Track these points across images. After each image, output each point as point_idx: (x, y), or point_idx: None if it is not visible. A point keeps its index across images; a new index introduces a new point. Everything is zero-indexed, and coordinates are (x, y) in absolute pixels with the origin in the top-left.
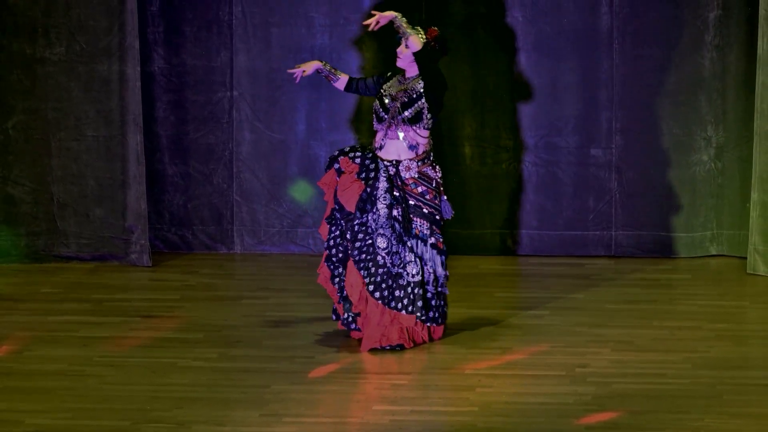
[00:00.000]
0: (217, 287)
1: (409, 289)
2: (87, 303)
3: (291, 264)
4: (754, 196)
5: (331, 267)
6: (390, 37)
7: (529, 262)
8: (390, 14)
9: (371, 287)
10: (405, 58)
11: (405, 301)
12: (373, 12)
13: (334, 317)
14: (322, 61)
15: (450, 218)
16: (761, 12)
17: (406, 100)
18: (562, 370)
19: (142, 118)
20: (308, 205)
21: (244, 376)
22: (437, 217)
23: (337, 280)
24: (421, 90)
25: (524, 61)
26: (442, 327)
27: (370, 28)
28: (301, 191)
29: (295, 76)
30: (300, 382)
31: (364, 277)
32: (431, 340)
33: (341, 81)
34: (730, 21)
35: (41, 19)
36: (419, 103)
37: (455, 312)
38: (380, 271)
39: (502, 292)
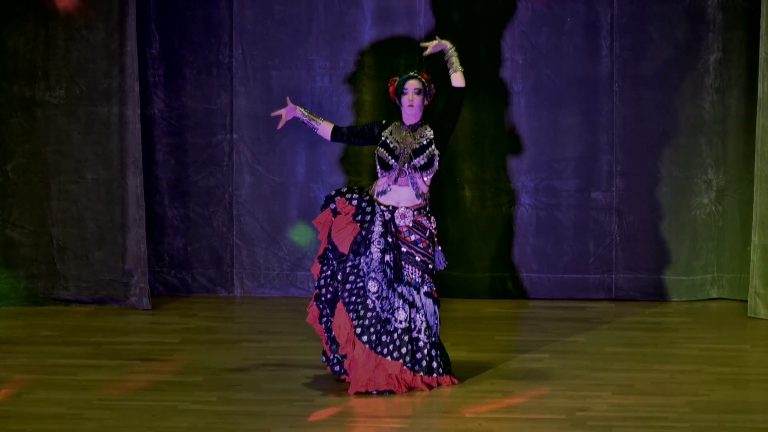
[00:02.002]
0: (217, 330)
1: (396, 335)
2: (86, 346)
3: (291, 307)
4: (755, 239)
5: (320, 307)
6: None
7: (529, 306)
8: (446, 43)
9: (359, 330)
10: (417, 107)
11: (390, 347)
12: (436, 37)
13: (324, 359)
14: (301, 108)
15: (442, 269)
16: (761, 55)
17: (417, 146)
18: (563, 413)
19: (141, 160)
20: (308, 248)
21: (243, 420)
22: (430, 266)
23: (324, 320)
24: (431, 136)
25: (524, 104)
26: (447, 376)
27: (426, 52)
28: (301, 234)
29: (279, 122)
30: (300, 425)
31: (352, 320)
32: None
33: (323, 128)
34: (730, 64)
35: (41, 62)
36: (430, 149)
37: (454, 355)
38: (369, 314)
39: (501, 336)
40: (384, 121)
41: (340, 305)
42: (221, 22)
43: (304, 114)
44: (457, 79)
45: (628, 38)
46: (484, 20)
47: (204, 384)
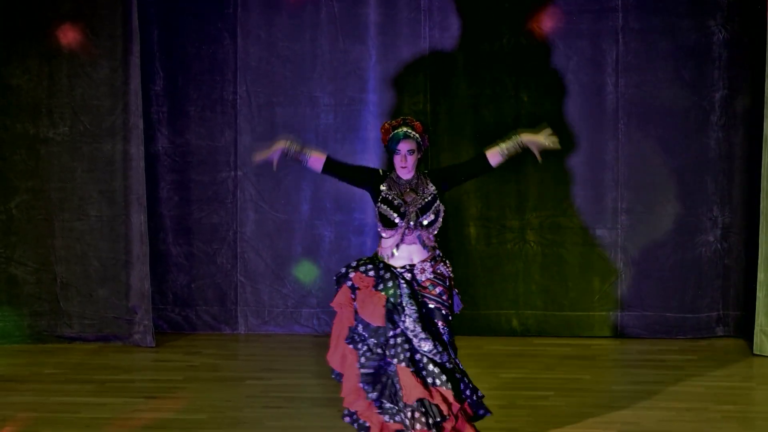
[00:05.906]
0: (221, 368)
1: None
2: (90, 384)
3: (295, 345)
4: (761, 276)
5: (367, 388)
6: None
7: (534, 343)
8: (542, 143)
9: (437, 381)
10: (411, 166)
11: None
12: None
13: (354, 425)
14: (285, 141)
15: (458, 312)
16: (767, 92)
17: (422, 204)
18: None
19: (145, 197)
20: (312, 285)
21: None
22: (450, 318)
23: (376, 395)
24: (434, 191)
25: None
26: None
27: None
28: (305, 271)
29: (273, 165)
30: None
31: (424, 378)
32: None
33: (315, 160)
34: (735, 102)
35: (44, 100)
36: (436, 205)
37: None
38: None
39: (506, 373)
40: (381, 171)
41: (402, 367)
42: (225, 60)
43: (291, 148)
44: (497, 161)
45: (634, 76)
46: (489, 58)
47: (208, 422)
